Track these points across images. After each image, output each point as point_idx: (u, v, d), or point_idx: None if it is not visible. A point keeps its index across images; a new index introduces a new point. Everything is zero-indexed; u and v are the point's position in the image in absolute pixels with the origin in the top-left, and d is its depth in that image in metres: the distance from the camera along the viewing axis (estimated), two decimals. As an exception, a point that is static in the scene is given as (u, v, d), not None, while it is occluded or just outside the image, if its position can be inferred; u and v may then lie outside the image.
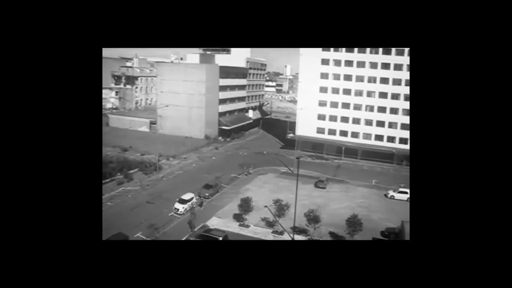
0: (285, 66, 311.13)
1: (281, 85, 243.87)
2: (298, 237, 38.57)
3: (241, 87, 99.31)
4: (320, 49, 75.44)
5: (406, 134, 73.91)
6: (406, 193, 53.39)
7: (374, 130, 75.64)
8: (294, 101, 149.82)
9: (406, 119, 73.37)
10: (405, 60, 71.34)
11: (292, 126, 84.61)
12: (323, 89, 77.09)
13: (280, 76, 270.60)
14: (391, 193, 54.24)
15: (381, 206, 50.19)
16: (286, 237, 38.86)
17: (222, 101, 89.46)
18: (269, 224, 41.76)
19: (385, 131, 75.18)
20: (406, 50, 70.48)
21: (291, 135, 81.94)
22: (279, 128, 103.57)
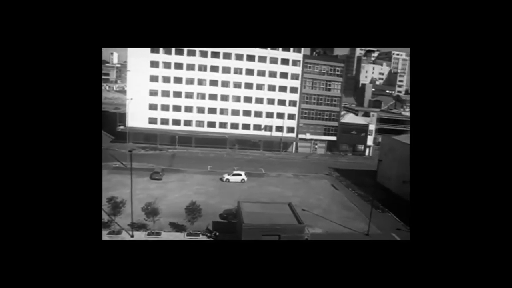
0: (112, 54, 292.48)
1: (108, 74, 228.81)
2: (137, 233, 36.82)
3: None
4: (147, 36, 72.92)
5: (236, 119, 78.06)
6: (239, 175, 56.49)
7: (207, 117, 77.55)
8: (123, 91, 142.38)
9: (236, 105, 77.60)
10: (234, 49, 74.69)
11: (122, 117, 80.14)
12: (154, 78, 75.04)
13: (107, 65, 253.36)
14: (226, 176, 56.42)
15: (218, 190, 51.79)
16: (125, 235, 36.67)
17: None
18: (105, 225, 38.68)
19: (217, 118, 77.89)
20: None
21: (122, 127, 77.58)
22: (108, 120, 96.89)
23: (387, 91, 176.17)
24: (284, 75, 79.03)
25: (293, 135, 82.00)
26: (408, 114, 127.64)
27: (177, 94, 76.06)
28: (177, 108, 76.60)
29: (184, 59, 75.08)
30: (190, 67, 75.56)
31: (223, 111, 78.08)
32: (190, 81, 76.09)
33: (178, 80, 75.56)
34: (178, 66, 75.17)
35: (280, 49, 77.16)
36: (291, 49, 77.89)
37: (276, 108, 79.93)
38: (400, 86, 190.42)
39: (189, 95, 76.54)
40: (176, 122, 77.06)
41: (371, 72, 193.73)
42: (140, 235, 36.75)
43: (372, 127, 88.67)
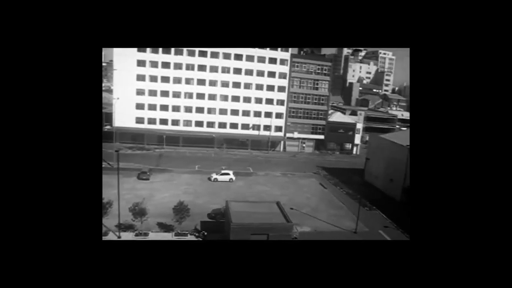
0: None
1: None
2: (124, 234, 36.45)
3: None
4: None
5: (224, 118, 77.87)
6: (227, 174, 56.33)
7: (194, 116, 77.21)
8: (109, 91, 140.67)
9: (224, 104, 77.43)
10: (220, 49, 74.43)
11: (108, 117, 79.23)
12: (141, 77, 74.35)
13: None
14: (214, 176, 56.20)
15: (206, 190, 51.59)
16: (111, 236, 36.28)
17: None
18: (90, 224, 38.22)
19: (205, 117, 77.62)
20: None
21: (108, 127, 76.77)
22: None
23: (374, 90, 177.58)
24: (271, 74, 79.09)
25: (281, 134, 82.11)
26: (394, 112, 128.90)
27: (164, 94, 75.52)
28: (164, 108, 76.07)
29: (171, 58, 74.60)
30: (178, 66, 75.09)
31: (210, 110, 77.80)
32: (177, 80, 75.62)
33: (165, 79, 75.02)
34: (165, 65, 74.64)
35: (268, 48, 77.16)
36: (279, 48, 77.95)
37: (264, 107, 79.93)
38: (387, 85, 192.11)
39: (176, 95, 76.09)
40: (164, 121, 76.54)
41: (358, 71, 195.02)
42: (127, 236, 36.38)
43: (359, 125, 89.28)
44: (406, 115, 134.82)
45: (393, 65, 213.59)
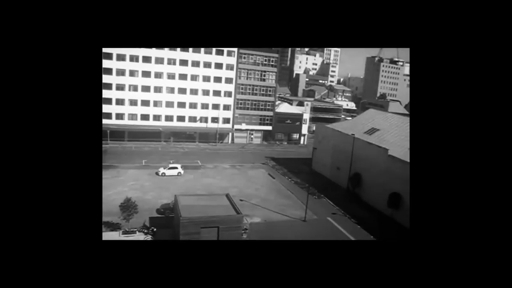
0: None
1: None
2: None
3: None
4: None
5: (171, 111, 76.32)
6: (176, 168, 55.44)
7: (140, 109, 74.97)
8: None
9: (171, 97, 75.83)
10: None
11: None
12: (80, 69, 70.75)
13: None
14: (161, 170, 55.07)
15: (154, 185, 50.44)
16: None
17: None
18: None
19: (151, 110, 75.62)
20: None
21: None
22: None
23: (320, 81, 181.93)
24: (218, 66, 78.40)
25: (229, 125, 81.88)
26: (340, 103, 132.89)
27: (107, 86, 72.19)
28: (107, 101, 72.70)
29: (114, 49, 71.55)
30: (121, 57, 72.31)
31: (156, 103, 75.83)
32: (121, 73, 72.80)
33: (107, 71, 71.69)
34: (107, 56, 71.48)
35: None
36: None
37: (211, 99, 79.19)
38: (332, 76, 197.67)
39: (120, 87, 73.27)
40: (107, 115, 73.29)
41: (305, 63, 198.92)
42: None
43: (306, 116, 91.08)
44: (351, 105, 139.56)
45: (338, 56, 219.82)
